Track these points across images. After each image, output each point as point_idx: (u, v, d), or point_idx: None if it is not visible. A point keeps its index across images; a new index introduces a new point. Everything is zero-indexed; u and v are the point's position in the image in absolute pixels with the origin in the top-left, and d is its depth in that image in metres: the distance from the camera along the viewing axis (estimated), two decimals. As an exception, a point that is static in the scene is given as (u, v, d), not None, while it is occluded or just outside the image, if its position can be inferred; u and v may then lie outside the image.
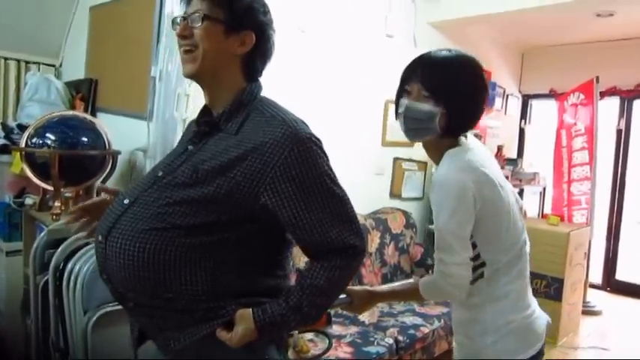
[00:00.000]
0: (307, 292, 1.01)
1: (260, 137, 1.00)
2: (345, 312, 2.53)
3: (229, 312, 1.02)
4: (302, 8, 2.75)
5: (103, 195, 1.33)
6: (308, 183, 0.99)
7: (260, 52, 1.11)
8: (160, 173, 1.08)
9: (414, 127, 1.28)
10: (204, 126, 1.11)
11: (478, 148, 1.32)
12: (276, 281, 1.10)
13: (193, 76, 1.09)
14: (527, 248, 1.37)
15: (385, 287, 1.51)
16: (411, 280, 1.39)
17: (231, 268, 1.03)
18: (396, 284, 1.51)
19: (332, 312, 1.41)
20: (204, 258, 1.00)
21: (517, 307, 1.31)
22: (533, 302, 1.37)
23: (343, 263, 1.02)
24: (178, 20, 1.07)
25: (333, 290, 1.05)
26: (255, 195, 0.99)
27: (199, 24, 1.03)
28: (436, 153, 1.31)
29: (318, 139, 1.04)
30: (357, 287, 1.48)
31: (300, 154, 0.99)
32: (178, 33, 1.07)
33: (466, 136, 1.33)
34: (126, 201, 1.07)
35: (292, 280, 1.15)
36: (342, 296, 1.43)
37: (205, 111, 1.15)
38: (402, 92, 1.31)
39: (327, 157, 1.05)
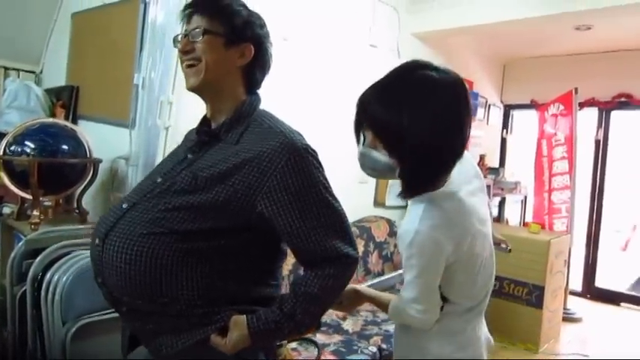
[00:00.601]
0: (301, 299, 1.03)
1: (258, 147, 1.03)
2: (328, 321, 2.54)
3: (223, 318, 1.03)
4: (285, 17, 2.76)
5: None
6: (303, 192, 1.02)
7: (259, 64, 1.16)
8: (159, 179, 1.10)
9: (375, 175, 1.21)
10: (205, 136, 1.14)
11: (461, 188, 1.15)
12: (270, 290, 1.12)
13: (197, 89, 1.12)
14: (491, 286, 1.34)
15: (371, 292, 1.47)
16: (392, 297, 1.30)
17: (226, 274, 1.05)
18: (381, 294, 1.48)
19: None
20: (201, 264, 1.02)
21: (467, 344, 1.25)
22: (483, 329, 1.32)
23: (337, 272, 1.05)
24: (179, 38, 1.12)
25: (326, 298, 1.07)
26: (252, 203, 1.01)
27: (200, 38, 1.08)
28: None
29: (314, 151, 1.08)
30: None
31: (297, 164, 1.02)
32: (180, 49, 1.11)
33: None
34: (124, 205, 1.08)
35: (283, 289, 1.16)
36: None
37: (205, 121, 1.19)
38: (358, 134, 1.16)
39: (322, 168, 1.09)
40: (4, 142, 2.18)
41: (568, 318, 4.13)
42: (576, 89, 4.24)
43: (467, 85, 1.09)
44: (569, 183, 4.30)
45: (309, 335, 1.49)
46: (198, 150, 1.13)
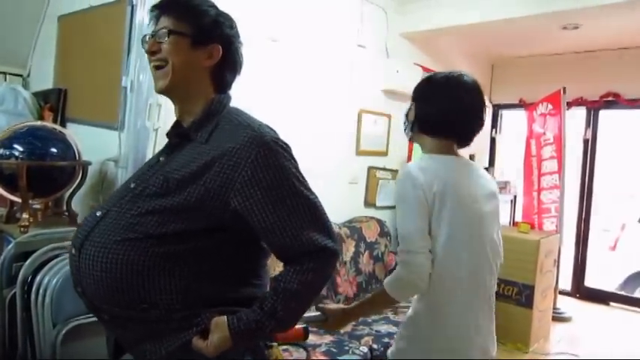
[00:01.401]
0: (281, 296, 1.01)
1: (227, 144, 1.02)
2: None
3: (204, 320, 1.02)
4: (273, 18, 2.77)
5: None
6: (275, 185, 1.01)
7: (228, 65, 1.14)
8: (133, 185, 1.09)
9: (404, 121, 1.54)
10: (175, 137, 1.13)
11: (456, 163, 1.42)
12: (252, 290, 1.10)
13: (165, 91, 1.11)
14: (484, 279, 1.41)
15: (356, 304, 1.54)
16: (378, 288, 1.43)
17: (205, 276, 1.03)
18: (365, 297, 1.54)
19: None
20: (178, 267, 1.00)
21: (449, 329, 1.36)
22: (475, 335, 1.39)
23: (316, 266, 1.03)
24: (147, 38, 1.11)
25: (307, 294, 1.05)
26: (226, 201, 1.00)
27: (166, 39, 1.07)
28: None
29: (285, 143, 1.07)
30: (332, 305, 1.52)
31: (266, 157, 1.01)
32: (147, 49, 1.10)
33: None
34: (98, 213, 1.07)
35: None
36: (316, 314, 1.45)
37: (176, 124, 1.18)
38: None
39: (294, 160, 1.07)
40: (-8, 145, 2.17)
41: (558, 317, 4.16)
42: (564, 89, 4.27)
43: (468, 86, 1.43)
44: (558, 182, 4.32)
45: (298, 342, 1.49)
46: (169, 152, 1.12)
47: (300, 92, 3.03)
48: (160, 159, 1.12)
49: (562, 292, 4.59)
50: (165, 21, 1.09)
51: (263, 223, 1.00)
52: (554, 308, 4.14)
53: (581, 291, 4.88)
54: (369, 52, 3.50)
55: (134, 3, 2.39)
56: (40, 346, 1.71)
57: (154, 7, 1.12)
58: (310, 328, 1.47)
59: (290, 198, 1.02)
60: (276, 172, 1.01)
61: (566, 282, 4.82)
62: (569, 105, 4.53)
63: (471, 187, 1.41)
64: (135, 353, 1.08)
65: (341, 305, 1.56)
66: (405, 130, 1.54)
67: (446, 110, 1.41)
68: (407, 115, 1.50)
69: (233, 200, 1.00)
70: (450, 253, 1.34)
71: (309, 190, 1.06)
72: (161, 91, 1.11)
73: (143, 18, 2.31)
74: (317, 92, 3.14)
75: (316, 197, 1.07)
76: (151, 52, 1.09)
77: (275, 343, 1.32)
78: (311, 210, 1.04)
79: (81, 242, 1.04)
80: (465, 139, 1.46)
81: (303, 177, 1.07)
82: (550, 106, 4.40)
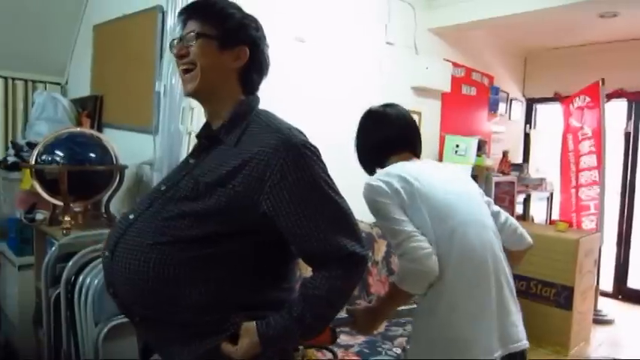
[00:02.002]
0: (310, 303, 1.01)
1: (256, 147, 1.02)
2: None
3: (233, 325, 1.02)
4: (300, 18, 2.78)
5: None
6: (304, 189, 1.01)
7: (255, 66, 1.15)
8: (163, 187, 1.11)
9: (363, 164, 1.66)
10: (205, 140, 1.15)
11: (412, 163, 1.52)
12: (281, 294, 1.10)
13: (194, 94, 1.13)
14: (482, 260, 1.38)
15: (376, 302, 1.56)
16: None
17: (234, 280, 1.03)
18: (382, 295, 1.54)
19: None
20: (208, 271, 1.01)
21: (453, 320, 1.33)
22: (487, 321, 1.35)
23: (345, 272, 1.02)
24: (175, 42, 1.13)
25: (336, 300, 1.04)
26: (255, 204, 1.00)
27: (194, 42, 1.08)
28: None
29: (314, 147, 1.06)
30: (359, 306, 1.51)
31: (296, 161, 1.01)
32: (175, 53, 1.12)
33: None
34: (131, 216, 1.09)
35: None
36: (344, 316, 1.45)
37: (207, 126, 1.19)
38: None
39: (323, 164, 1.07)
40: (36, 151, 2.27)
41: (599, 320, 4.01)
42: (603, 80, 4.12)
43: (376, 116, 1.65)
44: (598, 178, 4.17)
45: (326, 344, 1.49)
46: (199, 155, 1.13)
47: (328, 92, 3.03)
48: (190, 161, 1.14)
49: (603, 294, 4.41)
50: (192, 25, 1.10)
51: (292, 227, 1.00)
52: (595, 310, 3.99)
53: (624, 292, 4.68)
54: (397, 49, 3.47)
55: (165, 10, 2.45)
56: (83, 343, 1.77)
57: (182, 12, 1.14)
58: (342, 328, 1.47)
59: (319, 202, 1.02)
60: (306, 176, 1.01)
61: (607, 283, 4.64)
62: (609, 97, 4.37)
63: (440, 174, 1.50)
64: (163, 355, 1.09)
65: (367, 305, 1.56)
66: (366, 169, 1.63)
67: (385, 131, 1.57)
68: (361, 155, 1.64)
69: (262, 204, 1.00)
70: (440, 238, 1.34)
71: (339, 194, 1.06)
72: (190, 94, 1.12)
73: (174, 24, 2.36)
74: (345, 91, 3.14)
75: (345, 202, 1.06)
76: (180, 56, 1.10)
77: (301, 347, 1.33)
78: (340, 215, 1.04)
79: (114, 245, 1.06)
80: (408, 147, 1.58)
81: (332, 181, 1.06)
82: (588, 99, 4.25)
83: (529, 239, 1.56)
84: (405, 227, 1.33)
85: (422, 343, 1.40)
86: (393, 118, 1.60)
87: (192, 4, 1.14)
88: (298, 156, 1.01)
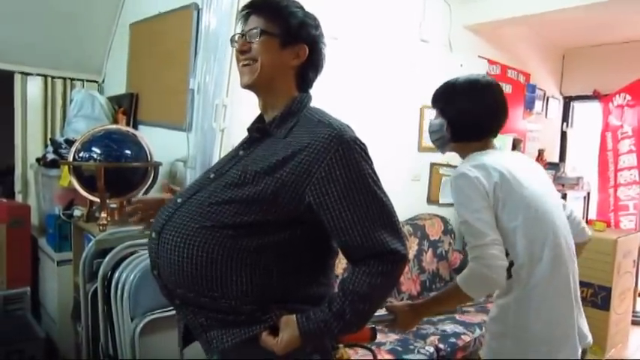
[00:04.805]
0: (350, 298, 1.01)
1: (306, 139, 1.03)
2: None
3: (273, 318, 1.03)
4: (335, 16, 2.76)
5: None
6: (351, 184, 1.01)
7: (312, 65, 1.17)
8: (212, 175, 1.14)
9: (433, 138, 1.55)
10: (256, 132, 1.16)
11: (504, 154, 1.48)
12: (320, 289, 1.11)
13: (250, 87, 1.14)
14: (557, 255, 1.37)
15: (427, 299, 1.55)
16: (450, 284, 1.41)
17: (276, 271, 1.04)
18: (437, 292, 1.52)
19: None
20: (251, 259, 1.02)
21: (539, 316, 1.33)
22: (564, 316, 1.36)
23: (386, 269, 1.01)
24: (236, 38, 1.15)
25: (375, 297, 1.04)
26: (301, 195, 1.01)
27: (257, 39, 1.10)
28: (465, 160, 1.48)
29: (363, 143, 1.06)
30: (399, 303, 1.49)
31: (345, 155, 1.01)
32: (237, 49, 1.13)
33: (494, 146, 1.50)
34: (179, 200, 1.12)
35: (335, 288, 1.15)
36: (385, 313, 1.43)
37: (258, 119, 1.21)
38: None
39: (371, 161, 1.07)
40: (73, 149, 2.31)
41: (638, 321, 3.91)
42: (644, 77, 4.00)
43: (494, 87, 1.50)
44: (638, 178, 4.06)
45: (365, 343, 1.47)
46: (248, 146, 1.15)
47: (362, 90, 3.01)
48: (240, 152, 1.15)
49: (642, 295, 4.30)
50: (255, 21, 1.11)
51: (336, 220, 1.01)
52: (634, 312, 3.88)
53: (665, 294, 4.53)
54: (431, 47, 3.41)
55: (200, 7, 2.47)
56: (120, 338, 1.80)
57: (245, 7, 1.15)
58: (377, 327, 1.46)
59: (364, 198, 1.01)
60: (353, 170, 1.01)
61: (647, 284, 4.50)
62: (650, 95, 4.22)
63: (527, 172, 1.43)
64: (202, 340, 1.10)
65: (408, 302, 1.54)
66: (439, 144, 1.55)
67: (485, 112, 1.46)
68: (437, 130, 1.51)
69: (308, 195, 1.00)
70: (527, 240, 1.33)
71: (383, 192, 1.06)
72: (246, 86, 1.14)
73: (209, 21, 2.38)
74: (378, 89, 3.11)
75: (389, 199, 1.06)
76: (242, 52, 1.12)
77: (341, 345, 1.32)
78: (384, 212, 1.03)
79: (161, 227, 1.09)
80: (496, 134, 1.51)
81: (378, 178, 1.06)
82: (628, 97, 4.13)
83: (589, 233, 1.60)
84: (490, 232, 1.29)
85: (508, 339, 1.38)
86: (503, 95, 1.50)
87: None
88: (348, 151, 1.01)
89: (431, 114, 1.57)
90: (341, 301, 1.01)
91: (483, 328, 2.65)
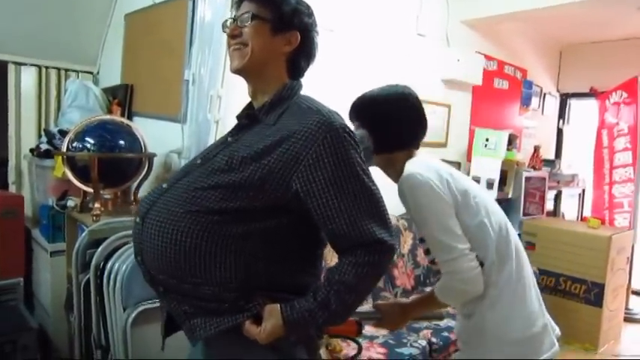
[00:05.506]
0: (335, 288, 0.99)
1: (295, 126, 1.02)
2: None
3: (257, 306, 1.02)
4: (331, 8, 2.75)
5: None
6: (339, 172, 0.99)
7: (304, 52, 1.16)
8: (199, 161, 1.12)
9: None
10: (245, 119, 1.15)
11: (434, 159, 1.43)
12: (307, 278, 1.10)
13: (240, 71, 1.13)
14: (517, 249, 1.36)
15: (415, 299, 1.54)
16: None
17: (262, 259, 1.03)
18: (423, 294, 1.52)
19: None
20: (236, 246, 1.01)
21: (515, 315, 1.31)
22: (536, 310, 1.35)
23: (372, 259, 1.00)
24: (228, 23, 1.14)
25: (361, 287, 1.03)
26: (288, 182, 1.00)
27: (248, 23, 1.09)
28: (393, 171, 1.41)
29: (352, 131, 1.05)
30: (387, 302, 1.49)
31: (333, 142, 1.00)
32: (229, 33, 1.12)
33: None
34: (164, 185, 1.11)
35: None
36: (372, 310, 1.43)
37: (247, 106, 1.20)
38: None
39: (360, 149, 1.06)
40: (67, 139, 2.30)
41: (630, 318, 3.94)
42: (641, 75, 4.00)
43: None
44: (633, 175, 4.07)
45: (352, 336, 1.47)
46: (237, 133, 1.14)
47: (357, 83, 2.98)
48: (228, 139, 1.14)
49: (635, 292, 4.32)
50: (247, 5, 1.11)
51: (323, 209, 0.99)
52: (627, 309, 3.92)
53: (658, 291, 4.56)
54: (428, 41, 3.41)
55: (195, -2, 2.45)
56: (112, 328, 1.80)
57: None
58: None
59: (352, 186, 1.00)
60: (342, 158, 1.00)
61: (640, 281, 4.53)
62: (646, 93, 4.23)
63: (460, 174, 1.42)
64: (186, 328, 1.09)
65: (398, 301, 1.53)
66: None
67: (405, 120, 1.41)
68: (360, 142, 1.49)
69: (295, 182, 0.99)
70: (493, 238, 1.31)
71: (372, 181, 1.05)
72: (236, 71, 1.13)
73: (204, 12, 2.36)
74: (374, 83, 3.08)
75: (378, 189, 1.05)
76: (232, 36, 1.11)
77: (325, 335, 1.31)
78: (372, 201, 1.02)
79: (145, 212, 1.07)
80: (417, 145, 1.45)
81: (367, 167, 1.05)
82: (625, 95, 4.13)
83: None
84: (458, 243, 1.24)
85: (489, 344, 1.34)
86: (421, 104, 1.46)
87: None
88: (337, 138, 1.00)
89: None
90: (326, 290, 1.00)
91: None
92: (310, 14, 1.17)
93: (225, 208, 1.00)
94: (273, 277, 1.05)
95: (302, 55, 1.16)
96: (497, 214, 1.36)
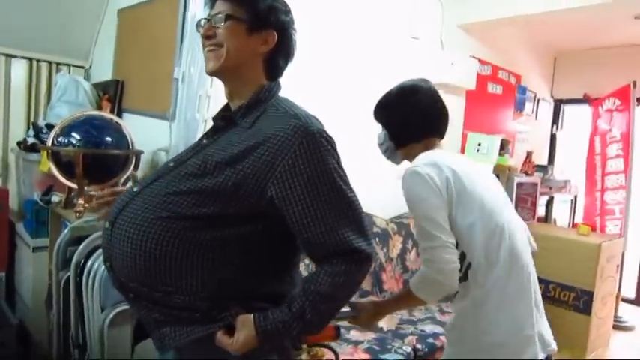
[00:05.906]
0: (310, 298, 0.97)
1: (271, 131, 0.99)
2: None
3: (230, 315, 0.99)
4: (324, 10, 2.73)
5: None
6: (315, 179, 0.97)
7: (282, 52, 1.13)
8: (172, 164, 1.09)
9: (382, 150, 1.57)
10: (221, 121, 1.12)
11: (452, 154, 1.47)
12: (283, 287, 1.07)
13: (216, 73, 1.10)
14: (513, 253, 1.34)
15: (389, 298, 1.54)
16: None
17: (235, 267, 1.00)
18: (394, 295, 1.52)
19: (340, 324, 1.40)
20: (208, 253, 0.98)
21: (500, 319, 1.31)
22: (526, 318, 1.33)
23: (349, 269, 0.98)
24: (202, 22, 1.10)
25: (338, 297, 1.00)
26: (263, 188, 0.97)
27: (222, 23, 1.06)
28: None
29: (330, 137, 1.02)
30: (363, 300, 1.48)
31: (309, 148, 0.97)
32: (202, 34, 1.09)
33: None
34: (135, 189, 1.07)
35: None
36: (347, 309, 1.42)
37: (224, 108, 1.17)
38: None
39: (337, 155, 1.03)
40: (53, 133, 2.27)
41: (619, 326, 3.95)
42: (634, 83, 4.02)
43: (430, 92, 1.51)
44: (625, 183, 4.08)
45: (328, 342, 1.46)
46: (212, 135, 1.11)
47: (349, 85, 2.98)
48: (203, 141, 1.11)
49: (625, 300, 4.33)
50: (221, 5, 1.07)
51: (298, 216, 0.96)
52: (616, 316, 3.92)
53: (646, 299, 4.57)
54: (422, 44, 3.39)
55: (187, -5, 2.43)
56: (89, 327, 1.77)
57: None
58: (353, 325, 1.45)
59: (329, 193, 0.97)
60: (318, 164, 0.97)
61: (629, 289, 4.54)
62: (639, 101, 4.23)
63: (476, 172, 1.42)
64: (155, 336, 1.06)
65: (372, 299, 1.54)
66: (388, 155, 1.56)
67: (413, 113, 1.46)
68: (382, 142, 1.54)
69: (270, 189, 0.96)
70: (483, 238, 1.30)
71: (350, 187, 1.02)
72: (211, 72, 1.10)
73: (195, 11, 2.34)
74: (366, 85, 3.08)
75: (355, 196, 1.02)
76: (206, 37, 1.08)
77: (304, 346, 1.29)
78: (349, 208, 1.00)
79: (114, 216, 1.04)
80: (439, 134, 1.50)
81: (344, 173, 1.02)
82: (618, 102, 4.15)
83: (534, 244, 1.55)
84: (441, 234, 1.26)
85: (466, 344, 1.36)
86: (436, 96, 1.51)
87: None
88: (313, 144, 0.97)
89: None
90: (301, 301, 0.97)
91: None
92: (287, 12, 1.13)
93: (198, 214, 0.97)
94: (248, 285, 1.02)
95: (280, 54, 1.12)
96: (502, 215, 1.35)
